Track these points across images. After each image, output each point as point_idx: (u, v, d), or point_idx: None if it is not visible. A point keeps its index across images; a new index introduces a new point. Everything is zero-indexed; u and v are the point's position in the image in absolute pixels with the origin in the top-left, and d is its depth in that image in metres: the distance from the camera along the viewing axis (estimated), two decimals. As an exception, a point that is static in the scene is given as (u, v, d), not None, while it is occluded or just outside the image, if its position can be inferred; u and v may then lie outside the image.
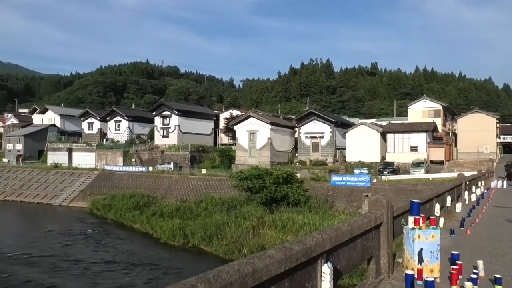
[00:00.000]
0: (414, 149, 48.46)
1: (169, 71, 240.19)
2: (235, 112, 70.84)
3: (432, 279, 4.33)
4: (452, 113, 64.44)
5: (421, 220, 4.97)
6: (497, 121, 60.83)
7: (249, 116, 55.64)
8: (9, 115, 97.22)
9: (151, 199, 41.80)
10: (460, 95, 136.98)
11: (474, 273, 4.85)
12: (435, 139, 50.05)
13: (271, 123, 54.19)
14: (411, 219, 5.00)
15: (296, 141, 57.74)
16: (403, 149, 48.84)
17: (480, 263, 5.25)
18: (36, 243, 29.71)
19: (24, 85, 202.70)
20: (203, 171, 48.91)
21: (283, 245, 2.86)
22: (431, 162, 46.79)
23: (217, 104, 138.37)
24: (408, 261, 4.96)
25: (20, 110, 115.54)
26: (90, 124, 75.86)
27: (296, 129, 57.55)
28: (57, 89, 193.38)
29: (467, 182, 14.62)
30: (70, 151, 65.33)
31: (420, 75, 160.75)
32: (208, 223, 29.90)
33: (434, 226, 5.05)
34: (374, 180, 37.35)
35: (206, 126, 69.81)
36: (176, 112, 64.37)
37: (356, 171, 41.09)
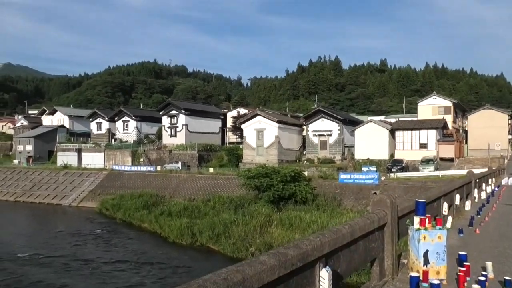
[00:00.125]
0: (423, 146, 47.96)
1: (176, 71, 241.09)
2: (243, 111, 70.78)
3: (438, 281, 4.17)
4: (462, 109, 63.64)
5: (426, 221, 4.80)
6: (509, 117, 59.86)
7: (257, 115, 55.51)
8: (19, 116, 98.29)
9: (160, 199, 41.95)
10: (471, 91, 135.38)
11: (483, 275, 4.68)
12: (445, 136, 49.47)
13: (279, 121, 54.01)
14: (416, 219, 4.83)
15: (304, 139, 57.47)
16: (412, 146, 48.36)
17: (489, 264, 5.07)
18: (47, 243, 29.96)
19: (33, 87, 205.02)
20: (211, 170, 48.95)
21: (277, 250, 2.73)
22: (441, 159, 46.25)
23: (225, 103, 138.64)
24: (413, 262, 4.79)
25: (29, 112, 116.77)
26: (99, 125, 76.34)
27: (304, 127, 57.28)
28: (66, 90, 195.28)
29: (477, 180, 14.34)
30: (79, 151, 65.86)
31: (430, 72, 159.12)
32: (215, 222, 29.90)
33: (441, 227, 4.87)
34: (383, 178, 37.06)
35: (214, 125, 69.86)
36: (184, 112, 64.49)
37: (364, 169, 40.82)
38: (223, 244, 27.20)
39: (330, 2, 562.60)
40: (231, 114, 72.55)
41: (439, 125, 48.88)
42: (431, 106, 55.66)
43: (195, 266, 24.20)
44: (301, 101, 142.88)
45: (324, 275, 3.13)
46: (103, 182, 52.07)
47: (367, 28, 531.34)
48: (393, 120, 61.89)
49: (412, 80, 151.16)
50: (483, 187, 16.01)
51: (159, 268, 24.06)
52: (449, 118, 53.68)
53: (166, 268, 24.03)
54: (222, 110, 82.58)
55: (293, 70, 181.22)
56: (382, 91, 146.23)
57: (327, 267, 3.19)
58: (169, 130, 65.55)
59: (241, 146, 58.93)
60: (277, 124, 53.41)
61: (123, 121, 73.18)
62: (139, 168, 53.98)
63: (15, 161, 71.60)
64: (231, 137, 70.37)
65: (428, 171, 40.33)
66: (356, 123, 55.70)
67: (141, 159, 60.32)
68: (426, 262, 4.66)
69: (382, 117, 77.97)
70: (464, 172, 30.27)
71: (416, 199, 5.01)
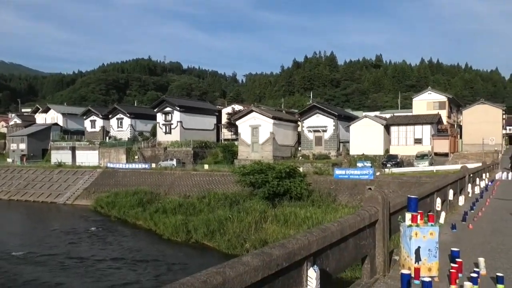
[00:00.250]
0: (418, 141, 48.06)
1: (171, 67, 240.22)
2: (237, 107, 70.54)
3: (429, 279, 4.11)
4: (457, 104, 63.83)
5: (418, 217, 4.74)
6: (503, 112, 60.12)
7: (251, 111, 55.36)
8: (13, 115, 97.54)
9: (154, 196, 41.78)
10: (466, 86, 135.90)
11: (475, 272, 4.62)
12: (440, 131, 49.61)
13: (274, 118, 53.90)
14: (408, 215, 4.77)
15: (299, 135, 57.43)
16: (407, 141, 48.45)
17: (481, 260, 5.02)
18: (41, 242, 29.76)
19: (27, 85, 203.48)
20: (206, 166, 48.82)
21: (262, 250, 2.64)
22: (436, 154, 46.39)
23: (220, 99, 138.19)
24: (405, 259, 4.73)
25: (23, 110, 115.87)
26: (93, 122, 75.86)
27: (299, 123, 57.22)
28: (60, 88, 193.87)
29: (471, 175, 14.33)
30: (73, 149, 65.46)
31: (425, 67, 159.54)
32: (210, 219, 29.80)
33: (433, 223, 4.81)
34: (378, 173, 37.09)
35: (209, 121, 69.65)
36: (178, 108, 64.22)
37: (359, 164, 40.83)
38: (218, 241, 27.13)
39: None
40: (226, 111, 72.31)
41: (434, 120, 48.99)
42: (426, 101, 55.79)
43: (190, 263, 24.13)
44: (296, 97, 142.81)
45: (312, 275, 3.05)
46: (97, 180, 51.81)
47: (363, 23, 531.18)
48: (388, 116, 61.94)
49: (408, 75, 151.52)
50: (477, 182, 16.02)
51: (154, 265, 23.97)
52: (443, 113, 53.82)
53: (161, 265, 23.94)
54: (217, 106, 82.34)
55: (288, 66, 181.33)
56: (378, 86, 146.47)
57: (315, 266, 3.11)
58: (163, 127, 65.28)
59: (236, 142, 58.79)
60: (272, 120, 53.31)
61: (117, 119, 72.75)
62: (133, 166, 53.75)
63: (9, 160, 71.09)
64: (226, 134, 70.19)
65: (423, 166, 40.42)
66: (351, 119, 55.70)
67: (136, 157, 60.05)
68: (417, 259, 4.60)
69: (377, 113, 78.03)
70: (458, 167, 30.35)
71: (408, 195, 4.94)
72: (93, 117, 76.06)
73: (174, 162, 53.27)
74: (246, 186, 35.89)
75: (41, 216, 42.60)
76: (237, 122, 56.64)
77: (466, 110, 57.36)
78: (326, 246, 3.39)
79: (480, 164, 23.80)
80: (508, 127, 78.59)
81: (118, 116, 72.70)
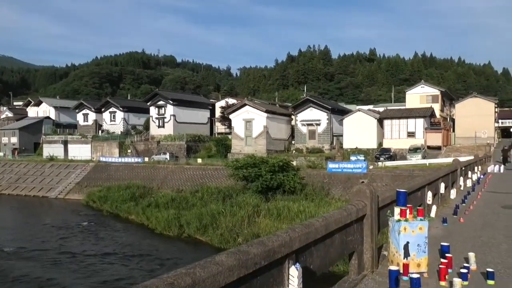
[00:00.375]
0: (411, 134, 48.15)
1: (165, 61, 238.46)
2: (231, 101, 70.22)
3: (418, 275, 3.99)
4: (450, 98, 63.98)
5: (407, 211, 4.61)
6: (496, 105, 60.36)
7: (245, 105, 55.11)
8: (4, 108, 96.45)
9: (147, 190, 41.53)
10: (459, 80, 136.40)
11: (465, 267, 4.51)
12: (433, 125, 49.71)
13: (267, 111, 53.70)
14: (397, 210, 4.64)
15: (292, 128, 57.32)
16: (400, 135, 48.52)
17: (471, 255, 4.91)
18: (33, 236, 29.47)
19: (19, 78, 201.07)
20: (199, 160, 48.59)
21: (238, 248, 2.48)
22: (428, 147, 46.51)
23: (214, 93, 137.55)
24: (393, 255, 4.61)
25: (15, 103, 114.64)
26: (85, 116, 75.18)
27: (293, 116, 57.08)
28: (53, 81, 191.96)
29: (463, 168, 14.28)
30: (65, 143, 64.91)
31: (419, 61, 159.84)
32: (203, 213, 29.64)
33: (422, 218, 4.68)
34: (371, 167, 37.10)
35: (202, 115, 69.28)
36: (171, 102, 63.78)
37: (352, 158, 40.82)
38: (211, 235, 26.98)
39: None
40: (219, 104, 71.97)
41: (427, 114, 49.07)
42: (419, 95, 55.86)
43: (183, 257, 23.99)
44: (290, 90, 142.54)
45: (294, 273, 2.90)
46: (90, 174, 51.42)
47: (357, 17, 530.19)
48: (381, 109, 61.97)
49: (401, 69, 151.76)
50: (469, 175, 16.00)
51: (146, 260, 23.81)
52: (436, 107, 53.92)
53: (153, 260, 23.78)
54: (211, 100, 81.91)
55: (282, 60, 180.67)
56: (371, 80, 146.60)
57: (297, 264, 2.96)
58: (156, 121, 64.85)
59: (229, 136, 58.58)
60: (265, 114, 53.11)
61: (110, 112, 72.16)
62: (126, 160, 53.39)
63: (0, 154, 70.35)
64: (219, 128, 69.91)
65: (416, 159, 40.50)
66: (344, 112, 55.67)
67: (129, 151, 59.65)
68: (406, 254, 4.48)
69: (370, 106, 78.09)
70: (451, 160, 30.42)
71: (397, 189, 4.80)
72: (85, 111, 75.38)
73: (167, 156, 52.99)
74: (239, 180, 35.73)
75: (33, 210, 42.23)
76: (231, 116, 56.39)
77: (459, 103, 57.52)
78: (310, 243, 3.24)
79: (472, 157, 23.82)
80: (500, 120, 79.07)
81: (111, 109, 72.12)
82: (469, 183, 14.82)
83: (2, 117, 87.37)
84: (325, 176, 37.07)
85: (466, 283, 4.24)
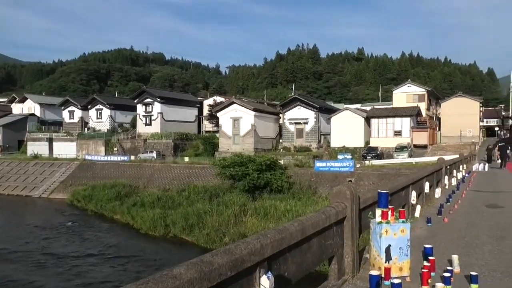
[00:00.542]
0: (398, 133, 48.41)
1: (154, 58, 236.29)
2: (219, 99, 69.87)
3: (399, 280, 3.82)
4: (436, 97, 64.50)
5: (389, 213, 4.44)
6: (481, 105, 61.05)
7: (233, 103, 54.82)
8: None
9: (133, 189, 41.01)
10: (445, 79, 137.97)
11: (448, 271, 4.36)
12: (419, 124, 50.06)
13: (255, 110, 53.49)
14: (378, 212, 4.47)
15: (280, 127, 57.21)
16: (387, 133, 48.75)
17: (455, 257, 4.77)
18: (15, 237, 28.82)
19: (5, 74, 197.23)
20: (186, 159, 48.18)
21: (201, 258, 2.26)
22: (415, 146, 46.81)
23: (202, 91, 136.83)
24: (375, 258, 4.44)
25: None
26: (71, 113, 74.07)
27: (281, 115, 56.98)
28: (39, 77, 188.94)
29: (448, 167, 14.26)
30: (50, 141, 63.79)
31: (406, 60, 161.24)
32: (189, 212, 29.33)
33: (404, 220, 4.52)
34: (358, 165, 37.19)
35: (190, 113, 68.74)
36: (159, 100, 63.15)
37: (340, 157, 40.88)
38: (197, 235, 26.71)
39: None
40: (207, 102, 71.56)
41: (413, 113, 49.38)
42: (406, 94, 56.19)
43: (168, 258, 23.69)
44: (279, 89, 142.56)
45: (265, 283, 2.70)
46: (75, 172, 50.61)
47: (345, 16, 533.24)
48: (368, 108, 62.23)
49: (389, 68, 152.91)
50: (454, 174, 16.01)
51: (131, 261, 23.45)
52: (423, 106, 54.30)
53: (138, 261, 23.43)
54: (199, 98, 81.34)
55: (271, 58, 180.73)
56: (359, 79, 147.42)
57: (269, 272, 2.76)
58: (143, 119, 64.17)
59: (217, 134, 58.24)
60: (253, 113, 52.89)
61: (97, 110, 71.22)
62: (112, 158, 52.69)
63: (-17, 152, 68.88)
64: (207, 126, 69.50)
65: (402, 158, 40.72)
66: (332, 111, 55.73)
67: (115, 149, 58.90)
68: (388, 258, 4.31)
69: (358, 105, 78.42)
70: (436, 158, 30.62)
71: (379, 190, 4.64)
72: (71, 108, 74.29)
73: (154, 154, 52.45)
74: (226, 178, 35.49)
75: (15, 210, 41.40)
76: (218, 114, 56.06)
77: (445, 102, 58.02)
78: (284, 249, 3.04)
79: (457, 156, 23.94)
80: (485, 120, 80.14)
81: (97, 107, 71.20)
82: (454, 181, 14.82)
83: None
84: (312, 175, 37.03)
85: (449, 287, 4.10)
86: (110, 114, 69.99)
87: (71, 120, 73.83)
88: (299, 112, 53.99)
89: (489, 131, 79.52)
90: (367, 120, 50.30)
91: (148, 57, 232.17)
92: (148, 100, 63.92)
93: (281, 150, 52.39)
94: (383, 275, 4.18)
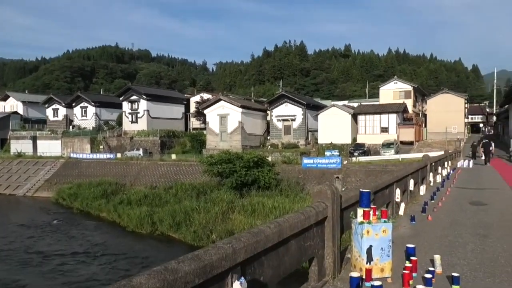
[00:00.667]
0: (384, 130, 48.70)
1: (140, 55, 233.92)
2: (206, 96, 69.48)
3: (380, 282, 3.74)
4: (422, 94, 65.12)
5: (371, 213, 4.36)
6: (465, 101, 61.82)
7: (220, 100, 54.53)
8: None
9: (119, 187, 40.56)
10: (431, 76, 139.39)
11: (429, 272, 4.30)
12: (405, 120, 50.44)
13: (242, 107, 53.29)
14: (360, 211, 4.38)
15: (268, 124, 57.14)
16: (374, 130, 49.02)
17: (437, 257, 4.71)
18: (-2, 236, 28.28)
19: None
20: (173, 156, 47.82)
21: (166, 266, 2.13)
22: (401, 142, 47.18)
23: (189, 88, 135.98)
24: (356, 259, 4.35)
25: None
26: (55, 111, 72.92)
27: (268, 112, 56.88)
28: (22, 75, 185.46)
29: (433, 163, 14.31)
30: (34, 139, 62.77)
31: (392, 57, 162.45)
32: (176, 210, 29.08)
33: (386, 219, 4.44)
34: (345, 162, 37.29)
35: (177, 110, 68.22)
36: (145, 97, 62.51)
37: (327, 153, 40.93)
38: (184, 232, 26.54)
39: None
40: (194, 100, 71.08)
41: (400, 109, 49.73)
42: (392, 91, 56.56)
43: (155, 256, 23.47)
44: (266, 86, 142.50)
45: (238, 289, 2.57)
46: (60, 170, 49.88)
47: (332, 13, 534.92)
48: (356, 105, 62.53)
49: (375, 65, 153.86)
50: (439, 171, 16.09)
51: (117, 259, 23.19)
52: (409, 102, 54.73)
53: (125, 259, 23.17)
54: (186, 95, 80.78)
55: (258, 55, 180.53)
56: (346, 76, 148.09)
57: (242, 278, 2.64)
58: (129, 116, 63.47)
59: (204, 132, 57.92)
60: (240, 109, 52.70)
61: (81, 107, 70.26)
62: (98, 156, 52.03)
63: (-36, 150, 67.44)
64: (194, 123, 69.06)
65: (389, 154, 40.96)
66: (319, 108, 55.85)
67: (101, 147, 58.19)
68: (369, 259, 4.22)
69: (345, 102, 78.79)
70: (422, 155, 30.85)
71: (360, 189, 4.54)
72: (55, 106, 73.14)
73: (141, 152, 51.94)
74: (213, 176, 35.29)
75: (-1, 209, 40.63)
76: (205, 111, 55.73)
77: (431, 99, 58.60)
78: (259, 253, 2.92)
79: (442, 153, 24.14)
80: (470, 116, 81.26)
81: (82, 104, 70.23)
82: (438, 178, 14.89)
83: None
84: (300, 171, 37.06)
85: (430, 288, 4.03)
86: (95, 112, 69.12)
87: (56, 118, 72.71)
88: (286, 109, 53.97)
89: (474, 128, 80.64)
90: (354, 117, 50.52)
91: (133, 54, 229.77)
92: (134, 97, 63.24)
93: (269, 147, 52.34)
94: (364, 277, 4.10)
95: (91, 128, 65.49)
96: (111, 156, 50.79)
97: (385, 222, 4.37)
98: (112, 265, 22.20)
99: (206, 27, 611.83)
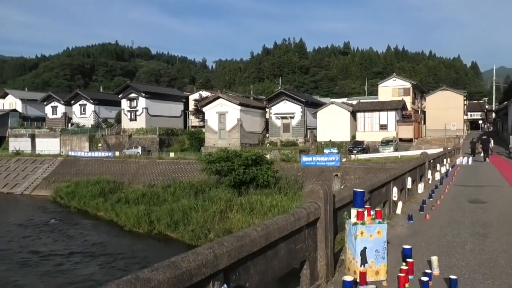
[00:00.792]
0: (383, 127, 48.51)
1: (139, 53, 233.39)
2: (205, 94, 69.21)
3: (375, 286, 3.58)
4: (421, 91, 64.88)
5: (365, 213, 4.19)
6: (465, 98, 61.58)
7: (218, 97, 54.30)
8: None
9: (118, 185, 40.37)
10: (430, 73, 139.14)
11: (426, 274, 4.14)
12: (404, 117, 50.23)
13: (241, 104, 53.06)
14: (353, 212, 4.22)
15: (266, 122, 56.93)
16: (373, 127, 48.82)
17: (434, 259, 4.55)
18: (-5, 235, 28.12)
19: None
20: (172, 154, 47.64)
21: (137, 275, 1.96)
22: (400, 140, 46.99)
23: (189, 86, 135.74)
24: (350, 262, 4.19)
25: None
26: (54, 109, 72.66)
27: (267, 109, 56.67)
28: (22, 73, 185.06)
29: (431, 161, 14.14)
30: (33, 137, 62.53)
31: (391, 54, 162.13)
32: (174, 208, 28.92)
33: (381, 220, 4.27)
34: (344, 160, 37.13)
35: (175, 108, 67.97)
36: (144, 95, 62.26)
37: (326, 151, 40.80)
38: (182, 232, 26.37)
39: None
40: (193, 97, 70.80)
41: (399, 106, 49.52)
42: (391, 88, 56.33)
43: (153, 255, 23.31)
44: (266, 83, 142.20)
45: (219, 297, 2.41)
46: (58, 168, 49.70)
47: (331, 11, 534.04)
48: (355, 102, 62.29)
49: (374, 62, 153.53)
50: (438, 168, 15.93)
51: (114, 259, 23.03)
52: (408, 99, 54.52)
53: (122, 259, 23.00)
54: (185, 93, 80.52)
55: (258, 53, 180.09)
56: (346, 73, 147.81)
57: (225, 285, 2.47)
58: (128, 114, 63.23)
59: (203, 129, 57.70)
60: (239, 107, 52.47)
61: (80, 105, 70.01)
62: (96, 154, 51.84)
63: (-38, 149, 67.19)
64: (193, 121, 68.84)
65: (388, 152, 40.81)
66: (318, 105, 55.63)
67: (99, 144, 58.00)
68: (363, 261, 4.06)
69: (344, 99, 78.54)
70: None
71: (354, 189, 4.38)
72: (54, 103, 72.86)
73: (139, 150, 51.75)
74: (212, 174, 35.12)
75: (-4, 207, 40.46)
76: (204, 109, 55.51)
77: (430, 96, 58.35)
78: (244, 257, 2.76)
79: (441, 150, 23.97)
80: (469, 113, 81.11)
81: (81, 102, 69.99)
82: (437, 176, 14.73)
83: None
84: (298, 169, 36.89)
85: (427, 292, 3.87)
86: (94, 110, 68.89)
87: (54, 116, 72.45)
88: (285, 106, 53.76)
89: (473, 125, 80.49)
90: (353, 114, 50.31)
91: (133, 52, 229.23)
92: (132, 95, 63.00)
93: (268, 144, 52.15)
94: (358, 280, 3.93)
95: (90, 126, 65.29)
96: (110, 154, 50.61)
97: (379, 222, 4.21)
98: (109, 265, 22.04)
99: (205, 25, 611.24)
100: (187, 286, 2.18)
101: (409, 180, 9.50)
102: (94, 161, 49.18)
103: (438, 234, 6.45)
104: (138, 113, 62.43)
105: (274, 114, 54.53)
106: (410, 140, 47.50)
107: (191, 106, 68.31)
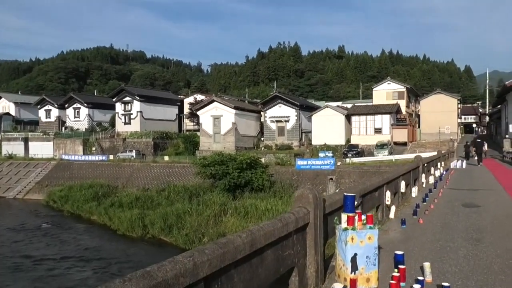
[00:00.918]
0: (378, 131, 48.56)
1: (134, 56, 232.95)
2: (200, 97, 69.10)
3: (364, 294, 3.47)
4: (415, 94, 65.14)
5: (356, 218, 4.09)
6: (458, 102, 61.89)
7: (213, 101, 54.19)
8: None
9: (111, 189, 40.14)
10: (424, 77, 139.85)
11: (419, 281, 4.03)
12: (399, 121, 50.35)
13: (236, 108, 52.98)
14: (344, 217, 4.11)
15: (261, 125, 56.86)
16: (367, 131, 48.87)
17: (426, 265, 4.44)
18: (-14, 240, 27.78)
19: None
20: (166, 158, 47.42)
21: (107, 286, 1.84)
22: (395, 143, 47.05)
23: (184, 90, 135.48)
24: (340, 268, 4.08)
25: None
26: (48, 112, 72.22)
27: (262, 113, 56.60)
28: (16, 76, 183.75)
29: (425, 164, 14.09)
30: (26, 140, 62.03)
31: (386, 58, 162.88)
32: (168, 212, 28.75)
33: (372, 225, 4.17)
34: (339, 163, 37.09)
35: (170, 111, 67.78)
36: (138, 98, 62.03)
37: (321, 155, 40.73)
38: (176, 236, 26.18)
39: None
40: (188, 101, 70.68)
41: (393, 110, 49.63)
42: (386, 91, 56.49)
43: (146, 260, 23.02)
44: (261, 87, 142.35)
45: (199, 309, 2.29)
46: (51, 172, 49.31)
47: (326, 15, 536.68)
48: (349, 106, 62.41)
49: (369, 66, 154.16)
50: (432, 171, 15.89)
51: (107, 263, 22.84)
52: (402, 103, 54.67)
53: (115, 264, 22.81)
54: (179, 96, 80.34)
55: (253, 56, 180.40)
56: (340, 77, 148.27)
57: (205, 296, 2.35)
58: (123, 118, 62.93)
59: (198, 133, 57.53)
60: (234, 111, 52.37)
61: (74, 108, 69.63)
62: (90, 158, 51.51)
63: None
64: (188, 124, 68.66)
65: (383, 155, 40.82)
66: (313, 109, 55.66)
67: (94, 148, 57.63)
68: (354, 268, 3.95)
69: (339, 103, 78.69)
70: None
71: (345, 193, 4.27)
72: (48, 107, 72.46)
73: (134, 153, 51.47)
74: (206, 178, 34.98)
75: (-12, 212, 40.00)
76: (199, 112, 55.37)
77: (424, 99, 58.59)
78: (228, 266, 2.64)
79: (435, 153, 23.97)
80: (463, 116, 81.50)
81: (75, 105, 69.63)
82: (431, 179, 14.68)
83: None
84: (293, 173, 36.84)
85: (419, 300, 3.76)
86: (88, 113, 68.55)
87: (48, 119, 72.02)
88: (280, 110, 53.72)
89: (467, 128, 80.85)
90: (348, 118, 50.36)
91: (128, 55, 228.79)
92: (127, 98, 62.73)
93: (263, 148, 52.07)
94: (348, 287, 3.82)
95: (83, 130, 64.90)
96: (104, 157, 50.30)
97: (370, 228, 4.10)
98: (102, 270, 21.83)
99: (201, 28, 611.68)
100: (164, 297, 2.06)
101: (403, 183, 9.42)
102: (88, 165, 48.86)
103: (432, 239, 6.36)
104: (132, 116, 62.17)
105: (269, 118, 54.48)
106: (405, 144, 47.58)
107: (186, 109, 68.17)
